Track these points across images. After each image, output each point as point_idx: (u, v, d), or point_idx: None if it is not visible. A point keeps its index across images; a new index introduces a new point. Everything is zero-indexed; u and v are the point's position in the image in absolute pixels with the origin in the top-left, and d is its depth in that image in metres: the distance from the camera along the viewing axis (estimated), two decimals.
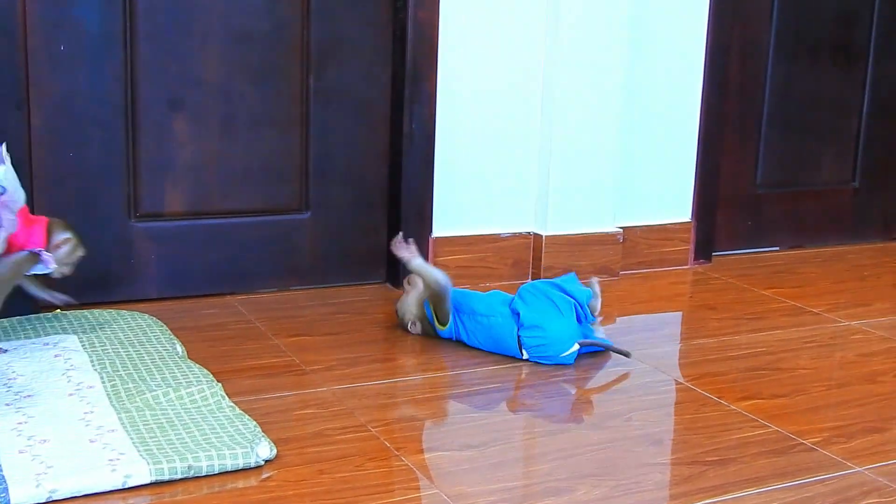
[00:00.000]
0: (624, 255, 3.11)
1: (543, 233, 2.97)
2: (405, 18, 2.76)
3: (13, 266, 2.18)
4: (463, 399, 2.12)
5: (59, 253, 2.22)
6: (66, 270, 2.26)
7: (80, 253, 2.27)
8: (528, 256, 2.99)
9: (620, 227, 3.10)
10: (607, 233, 3.05)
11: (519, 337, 2.33)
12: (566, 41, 2.90)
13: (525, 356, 2.34)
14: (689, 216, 3.27)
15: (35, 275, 2.25)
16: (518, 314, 2.34)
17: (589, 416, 2.06)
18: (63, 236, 2.22)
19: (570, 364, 2.34)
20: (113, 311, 2.45)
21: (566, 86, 2.92)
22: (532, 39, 2.92)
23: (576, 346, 2.33)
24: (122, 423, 1.82)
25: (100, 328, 2.34)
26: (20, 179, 2.13)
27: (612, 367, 2.34)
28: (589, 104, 2.96)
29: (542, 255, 2.93)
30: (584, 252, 2.97)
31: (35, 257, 2.20)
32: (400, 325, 2.51)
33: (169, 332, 2.35)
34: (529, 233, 3.00)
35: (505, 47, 2.90)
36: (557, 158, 2.95)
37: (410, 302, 2.48)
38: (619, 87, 3.00)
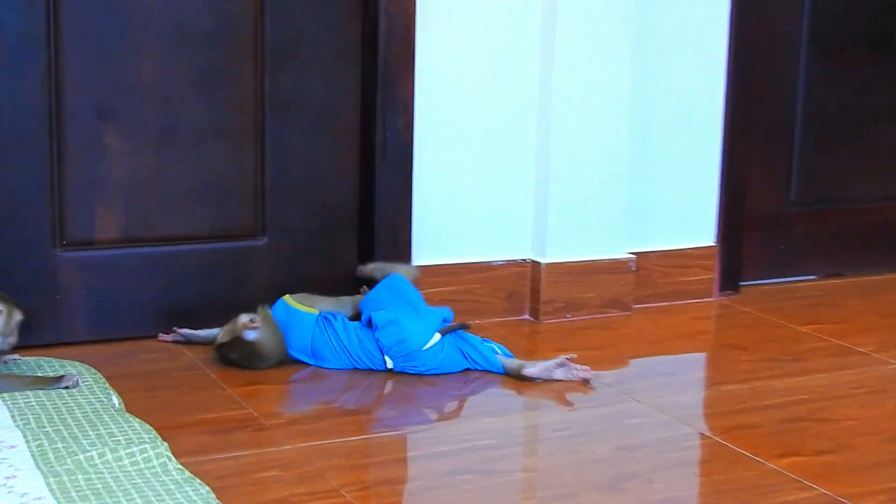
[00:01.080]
0: (637, 286, 3.12)
1: (542, 260, 2.98)
2: (376, 12, 2.77)
3: None
4: (449, 457, 2.11)
5: None
6: (13, 340, 2.38)
7: (18, 317, 2.38)
8: (524, 288, 3.00)
9: (632, 254, 3.11)
10: (617, 260, 3.06)
11: (377, 340, 2.49)
12: (565, 36, 2.92)
13: (390, 364, 2.50)
14: (713, 240, 3.28)
15: None
16: (370, 319, 2.52)
17: (602, 478, 2.06)
18: None
19: (436, 367, 2.48)
20: (37, 358, 2.45)
21: (566, 88, 2.94)
22: (526, 35, 2.94)
23: (437, 337, 2.47)
24: (51, 490, 1.81)
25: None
26: None
27: (625, 418, 2.34)
28: (593, 110, 2.98)
29: (542, 286, 2.94)
30: (590, 283, 2.98)
31: None
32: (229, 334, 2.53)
33: (103, 380, 2.34)
34: (526, 260, 3.01)
35: (494, 44, 2.92)
36: (557, 173, 2.96)
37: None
38: (627, 89, 3.02)
